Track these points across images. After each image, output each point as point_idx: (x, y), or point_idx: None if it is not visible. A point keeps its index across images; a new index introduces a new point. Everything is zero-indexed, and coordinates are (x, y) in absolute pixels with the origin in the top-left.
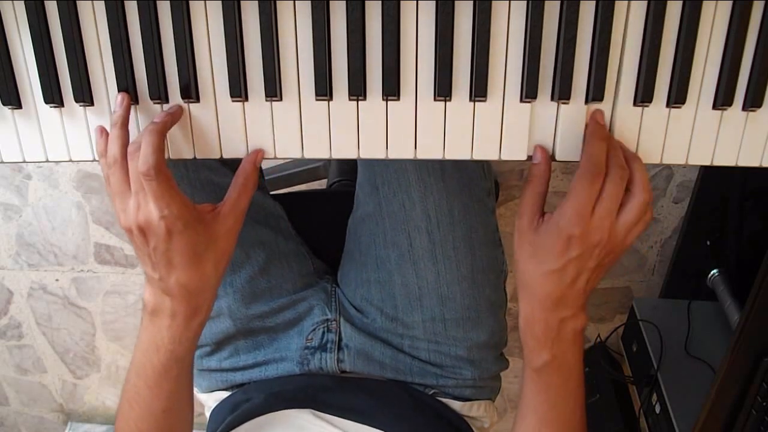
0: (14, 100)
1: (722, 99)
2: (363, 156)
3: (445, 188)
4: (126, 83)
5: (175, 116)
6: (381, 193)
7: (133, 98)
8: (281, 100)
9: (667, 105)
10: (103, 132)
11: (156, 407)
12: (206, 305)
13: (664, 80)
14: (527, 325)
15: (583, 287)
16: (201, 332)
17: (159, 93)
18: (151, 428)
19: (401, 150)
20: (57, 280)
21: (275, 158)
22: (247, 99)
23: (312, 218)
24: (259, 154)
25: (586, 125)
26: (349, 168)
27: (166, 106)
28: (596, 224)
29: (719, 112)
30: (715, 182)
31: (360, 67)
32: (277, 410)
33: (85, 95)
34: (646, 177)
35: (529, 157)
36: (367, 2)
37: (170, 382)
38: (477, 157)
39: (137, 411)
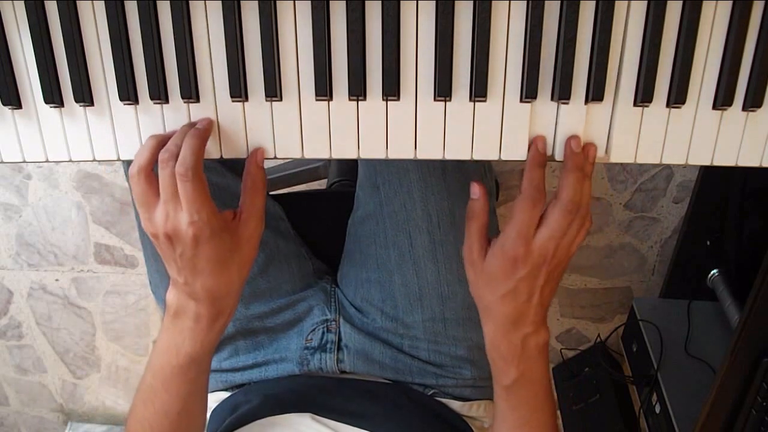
0: (14, 100)
1: (722, 99)
2: (363, 156)
3: (447, 188)
4: (126, 83)
5: (211, 126)
6: (382, 192)
7: (133, 98)
8: (281, 100)
9: (667, 105)
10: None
11: (171, 408)
12: (230, 309)
13: (664, 80)
14: (492, 346)
15: (538, 303)
16: (221, 335)
17: (159, 93)
18: (164, 429)
19: (401, 150)
20: (57, 280)
21: (275, 158)
22: (247, 99)
23: (312, 218)
24: (259, 152)
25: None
26: (349, 168)
27: (166, 107)
28: (539, 245)
29: (719, 112)
30: (715, 182)
31: (360, 67)
32: (277, 414)
33: (85, 95)
34: (588, 199)
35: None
36: (367, 2)
37: (188, 384)
38: (477, 157)
39: (152, 411)
